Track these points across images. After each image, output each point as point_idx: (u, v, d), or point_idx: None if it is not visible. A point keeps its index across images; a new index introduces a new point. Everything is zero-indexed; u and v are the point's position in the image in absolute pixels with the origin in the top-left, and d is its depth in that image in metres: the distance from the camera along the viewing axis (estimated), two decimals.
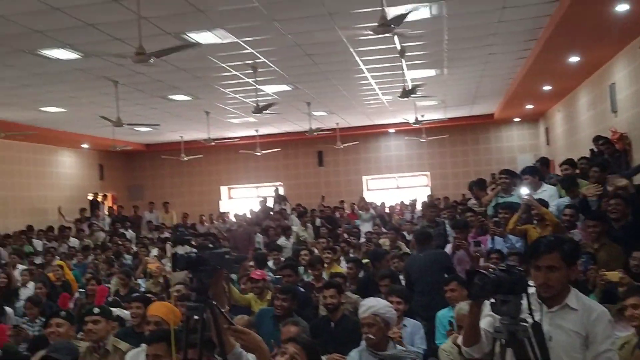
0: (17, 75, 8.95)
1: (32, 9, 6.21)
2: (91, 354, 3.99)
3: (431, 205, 9.27)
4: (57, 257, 10.86)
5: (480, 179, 8.93)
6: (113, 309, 5.13)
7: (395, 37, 7.80)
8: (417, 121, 13.30)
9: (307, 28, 7.46)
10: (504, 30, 8.27)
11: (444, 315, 4.99)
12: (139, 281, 8.68)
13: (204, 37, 7.51)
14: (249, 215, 14.81)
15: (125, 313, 5.78)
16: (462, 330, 3.83)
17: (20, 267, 9.70)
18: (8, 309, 7.09)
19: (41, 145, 15.67)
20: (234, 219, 15.22)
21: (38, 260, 10.80)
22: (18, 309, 7.65)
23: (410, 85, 9.97)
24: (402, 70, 9.87)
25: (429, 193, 17.06)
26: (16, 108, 11.37)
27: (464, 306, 4.22)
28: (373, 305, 3.80)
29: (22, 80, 9.34)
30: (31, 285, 8.37)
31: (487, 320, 2.66)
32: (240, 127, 15.90)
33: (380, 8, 5.89)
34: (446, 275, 6.07)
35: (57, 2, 6.06)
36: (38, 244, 12.71)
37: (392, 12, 6.54)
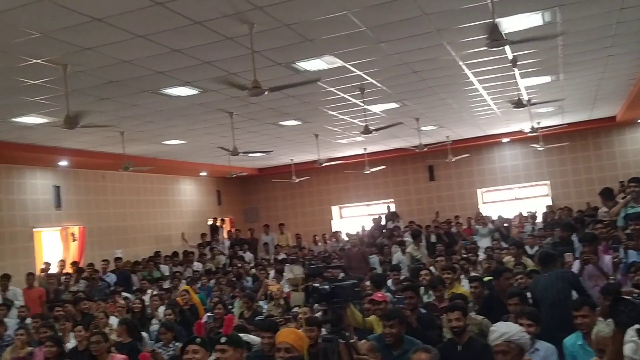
0: (142, 113, 9.57)
1: (154, 53, 6.63)
2: None
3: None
4: (183, 281, 11.40)
5: (607, 188, 8.41)
6: (240, 334, 5.26)
7: (507, 47, 7.56)
8: (533, 129, 12.76)
9: (413, 47, 7.41)
10: (624, 31, 7.77)
11: (572, 343, 4.64)
12: (260, 303, 8.90)
13: (313, 65, 7.67)
14: (360, 234, 14.86)
15: (251, 338, 5.96)
16: (604, 353, 3.61)
17: (151, 292, 10.26)
18: (143, 334, 7.50)
19: (164, 175, 16.63)
20: (346, 238, 15.33)
21: (166, 284, 11.37)
22: (151, 333, 8.08)
23: (524, 93, 9.62)
24: (515, 78, 9.56)
25: (549, 203, 16.29)
26: (141, 143, 12.15)
27: (603, 328, 3.97)
28: (506, 331, 3.64)
29: (146, 118, 9.97)
30: (162, 309, 8.82)
31: (630, 346, 2.51)
32: (348, 146, 16.03)
33: (490, 20, 5.76)
34: (573, 294, 5.79)
35: (176, 44, 6.44)
36: (165, 269, 13.36)
37: (502, 23, 6.37)
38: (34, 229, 12.61)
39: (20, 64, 6.60)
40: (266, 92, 6.00)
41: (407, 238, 12.17)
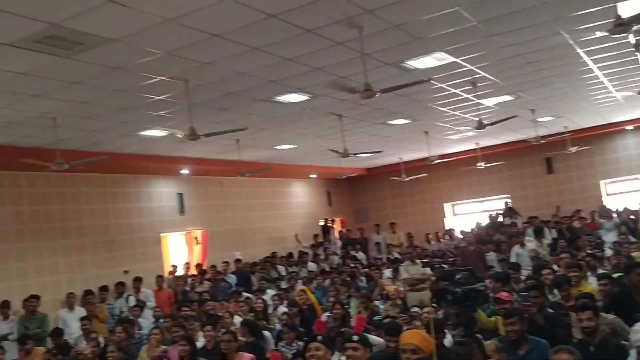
0: (256, 121, 9.90)
1: (268, 63, 6.87)
2: None
3: None
4: (300, 281, 11.67)
5: None
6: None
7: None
8: None
9: (528, 37, 7.15)
10: None
11: None
12: (376, 303, 8.92)
13: (423, 62, 7.60)
14: (475, 231, 14.49)
15: (372, 338, 6.01)
16: None
17: (270, 292, 10.58)
18: (266, 333, 7.74)
19: (276, 179, 17.10)
20: (460, 236, 15.02)
21: (283, 284, 11.69)
22: (272, 332, 8.30)
23: None
24: (639, 63, 8.96)
25: None
26: (255, 149, 12.60)
27: None
28: None
29: (259, 125, 10.31)
30: (281, 308, 9.09)
31: None
32: (459, 142, 15.70)
33: (611, 5, 5.46)
34: None
35: (288, 53, 6.62)
36: (281, 269, 13.75)
37: (621, 7, 6.00)
38: (160, 234, 13.42)
39: (145, 81, 7.06)
40: (378, 94, 6.02)
41: (528, 237, 11.71)
